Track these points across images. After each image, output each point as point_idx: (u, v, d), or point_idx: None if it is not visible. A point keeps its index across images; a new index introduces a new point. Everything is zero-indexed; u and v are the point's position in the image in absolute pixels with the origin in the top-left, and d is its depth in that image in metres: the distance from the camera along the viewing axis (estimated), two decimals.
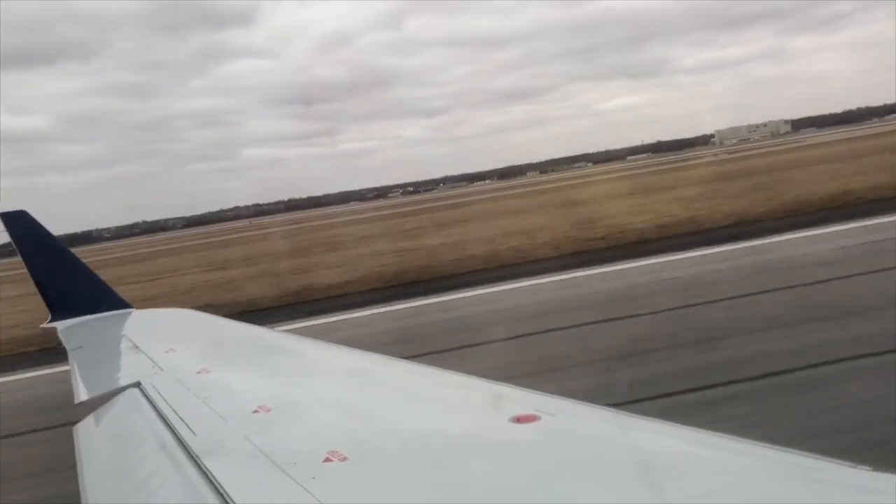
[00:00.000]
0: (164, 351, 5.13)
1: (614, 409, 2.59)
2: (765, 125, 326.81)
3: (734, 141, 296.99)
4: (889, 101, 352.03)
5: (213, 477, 2.48)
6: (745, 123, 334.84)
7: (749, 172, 61.43)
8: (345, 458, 2.39)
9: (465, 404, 3.06)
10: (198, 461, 2.70)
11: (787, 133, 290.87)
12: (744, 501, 1.78)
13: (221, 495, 2.32)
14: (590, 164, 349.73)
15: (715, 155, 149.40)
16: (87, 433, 3.81)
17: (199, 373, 4.22)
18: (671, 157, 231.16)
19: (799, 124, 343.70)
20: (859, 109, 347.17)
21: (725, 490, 1.86)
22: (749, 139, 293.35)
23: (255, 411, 3.15)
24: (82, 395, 4.51)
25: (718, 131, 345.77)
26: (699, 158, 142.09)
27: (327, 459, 2.39)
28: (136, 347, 5.55)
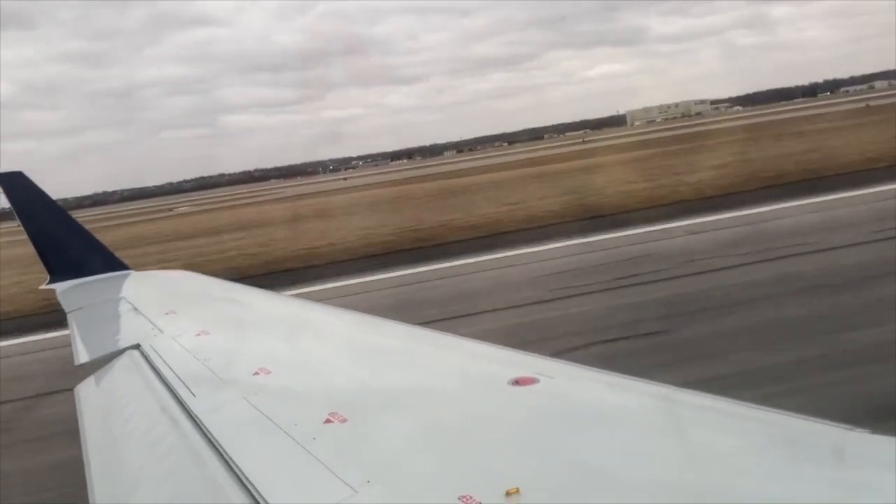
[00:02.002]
0: (164, 313, 5.07)
1: (612, 372, 2.58)
2: (676, 105, 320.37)
3: (637, 123, 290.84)
4: (857, 73, 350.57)
5: (214, 438, 2.48)
6: (688, 99, 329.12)
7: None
8: (345, 420, 2.39)
9: (464, 367, 3.05)
10: (198, 422, 2.69)
11: (697, 114, 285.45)
12: (740, 462, 1.80)
13: (222, 456, 2.32)
14: (505, 144, 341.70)
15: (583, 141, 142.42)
16: (89, 394, 3.79)
17: (198, 335, 4.15)
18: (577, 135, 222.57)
19: (767, 96, 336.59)
20: (826, 82, 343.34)
21: (718, 449, 1.88)
22: (655, 120, 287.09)
23: (256, 373, 3.13)
24: (82, 356, 4.47)
25: (630, 111, 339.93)
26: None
27: (327, 421, 2.39)
28: (136, 309, 5.50)
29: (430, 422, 2.37)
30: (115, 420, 3.34)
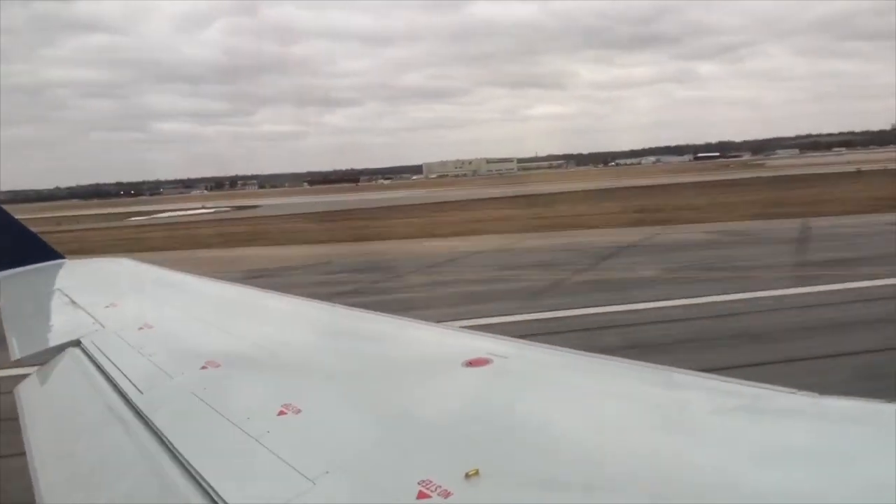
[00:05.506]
0: (104, 306, 4.90)
1: (563, 349, 2.64)
2: (469, 162, 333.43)
3: (434, 175, 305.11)
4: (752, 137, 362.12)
5: (164, 436, 2.44)
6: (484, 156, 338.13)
7: None
8: (299, 411, 2.36)
9: (417, 350, 3.06)
10: (147, 421, 2.65)
11: (475, 172, 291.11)
12: (694, 433, 1.85)
13: (174, 454, 2.28)
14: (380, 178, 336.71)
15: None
16: (30, 395, 3.65)
17: (141, 329, 4.06)
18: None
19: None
20: (720, 143, 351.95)
21: (670, 420, 1.92)
22: (446, 174, 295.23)
23: (204, 367, 3.07)
24: (18, 352, 4.31)
25: (427, 163, 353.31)
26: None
27: (281, 413, 2.36)
28: (74, 302, 5.28)
29: (386, 407, 2.38)
30: (59, 422, 3.25)
